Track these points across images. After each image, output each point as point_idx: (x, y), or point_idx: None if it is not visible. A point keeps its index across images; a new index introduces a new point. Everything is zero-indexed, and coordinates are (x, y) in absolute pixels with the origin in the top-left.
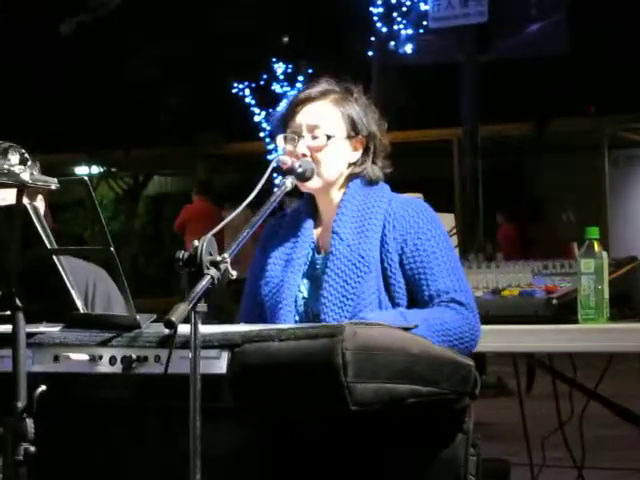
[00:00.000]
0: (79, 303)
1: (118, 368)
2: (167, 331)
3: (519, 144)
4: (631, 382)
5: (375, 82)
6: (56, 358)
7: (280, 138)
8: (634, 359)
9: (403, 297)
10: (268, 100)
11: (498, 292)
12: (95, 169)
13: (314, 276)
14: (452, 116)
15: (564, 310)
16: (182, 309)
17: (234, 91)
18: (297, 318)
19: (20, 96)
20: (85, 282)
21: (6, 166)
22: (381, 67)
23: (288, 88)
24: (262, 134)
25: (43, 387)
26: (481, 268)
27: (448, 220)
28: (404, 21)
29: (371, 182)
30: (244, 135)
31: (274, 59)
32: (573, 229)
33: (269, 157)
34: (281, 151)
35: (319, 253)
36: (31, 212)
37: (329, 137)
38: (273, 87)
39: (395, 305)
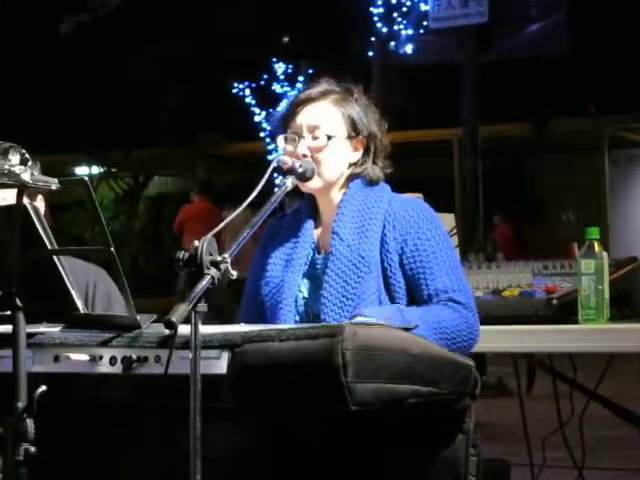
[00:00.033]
0: (79, 303)
1: (118, 368)
2: (167, 331)
3: (519, 144)
4: (631, 382)
5: (375, 82)
6: (56, 358)
7: (280, 138)
8: (634, 359)
9: (403, 297)
10: (268, 100)
11: (498, 292)
12: (95, 169)
13: (314, 276)
14: (452, 116)
15: (564, 310)
16: (182, 309)
17: (234, 91)
18: (297, 318)
19: (20, 96)
20: (85, 282)
21: (7, 166)
22: (381, 67)
23: (288, 88)
24: (262, 134)
25: (43, 387)
26: (481, 268)
27: (448, 220)
28: (404, 21)
29: (371, 182)
30: (244, 135)
31: (274, 59)
32: (573, 229)
33: (269, 157)
34: (281, 151)
35: (319, 253)
36: (31, 212)
37: (329, 137)
38: (273, 87)
39: None
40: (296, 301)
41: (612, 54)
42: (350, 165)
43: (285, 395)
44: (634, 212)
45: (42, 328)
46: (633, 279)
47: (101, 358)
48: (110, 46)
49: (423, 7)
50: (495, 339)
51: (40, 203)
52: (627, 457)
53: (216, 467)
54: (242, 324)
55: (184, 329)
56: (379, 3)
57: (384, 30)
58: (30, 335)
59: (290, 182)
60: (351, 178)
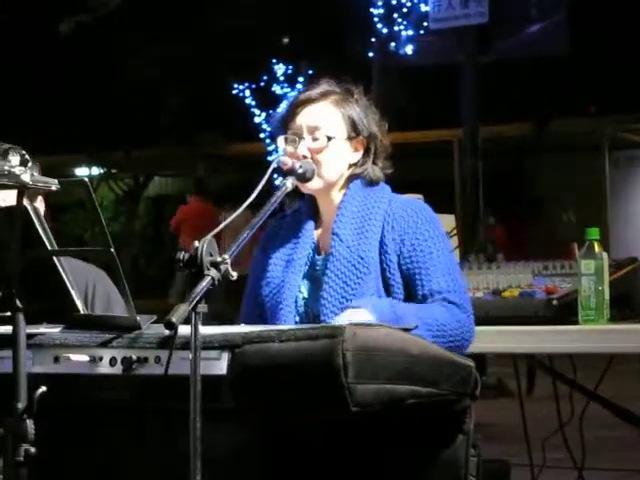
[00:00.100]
0: (79, 304)
1: (118, 369)
2: (167, 332)
3: (519, 144)
4: (631, 383)
5: (375, 83)
6: (56, 359)
7: (281, 139)
8: (634, 360)
9: (402, 298)
10: (268, 101)
11: (498, 293)
12: (95, 170)
13: (314, 277)
14: (452, 117)
15: (564, 311)
16: (182, 310)
17: (234, 92)
18: (297, 319)
19: (20, 96)
20: (85, 283)
21: (6, 167)
22: (381, 68)
23: (288, 89)
24: (262, 135)
25: (43, 388)
26: (481, 269)
27: (448, 221)
28: (404, 22)
29: (372, 183)
30: (244, 136)
31: (274, 60)
32: (573, 230)
33: (269, 158)
34: (281, 152)
35: (319, 254)
36: (32, 213)
37: (329, 138)
38: (273, 88)
39: None
40: (296, 302)
41: (612, 54)
42: (350, 166)
43: (285, 396)
44: (634, 213)
45: (42, 329)
46: (633, 280)
47: (101, 359)
48: (110, 46)
49: (423, 8)
50: (495, 340)
51: (40, 204)
52: (627, 458)
53: (216, 468)
54: (242, 325)
55: (184, 330)
56: (379, 4)
57: (384, 31)
58: (30, 336)
59: (290, 183)
60: (351, 179)
